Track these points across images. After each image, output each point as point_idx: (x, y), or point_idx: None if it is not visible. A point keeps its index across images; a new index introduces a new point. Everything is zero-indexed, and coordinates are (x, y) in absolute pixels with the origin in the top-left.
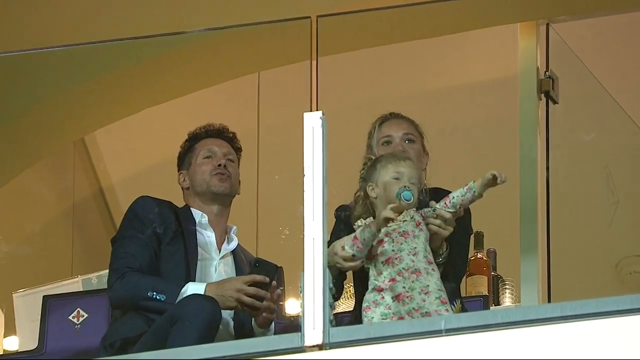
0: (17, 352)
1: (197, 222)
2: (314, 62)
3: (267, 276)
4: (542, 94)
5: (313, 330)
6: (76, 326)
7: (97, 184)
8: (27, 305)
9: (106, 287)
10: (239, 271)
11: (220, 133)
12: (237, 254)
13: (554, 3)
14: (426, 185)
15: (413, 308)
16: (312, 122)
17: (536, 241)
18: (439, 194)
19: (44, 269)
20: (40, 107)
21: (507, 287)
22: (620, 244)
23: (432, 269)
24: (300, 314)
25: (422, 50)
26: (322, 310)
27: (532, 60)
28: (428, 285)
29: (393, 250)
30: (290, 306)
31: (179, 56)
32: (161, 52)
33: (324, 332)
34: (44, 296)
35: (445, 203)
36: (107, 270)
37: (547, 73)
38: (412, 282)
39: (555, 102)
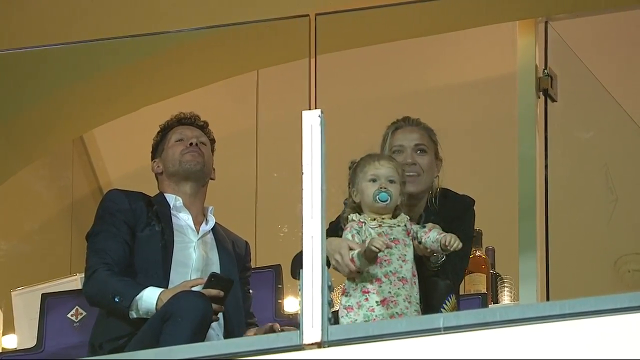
0: (15, 350)
1: (171, 205)
2: (313, 60)
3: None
4: (541, 92)
5: (312, 328)
6: (75, 324)
7: (95, 182)
8: (26, 303)
9: None
10: (221, 250)
11: (192, 121)
12: (217, 233)
13: (553, 1)
14: (438, 190)
15: (396, 312)
16: (311, 120)
17: (535, 239)
18: (448, 197)
19: (43, 267)
20: (38, 105)
21: (505, 285)
22: (619, 242)
23: (414, 282)
24: (299, 311)
25: (420, 48)
26: (320, 308)
27: (531, 58)
28: (411, 296)
29: (383, 252)
30: (289, 304)
31: (177, 54)
32: (159, 50)
33: (322, 330)
34: (42, 294)
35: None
36: None
37: (545, 71)
38: (398, 288)
39: (553, 100)
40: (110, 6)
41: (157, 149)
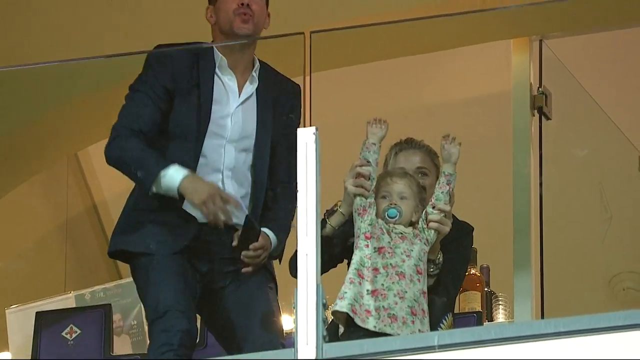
0: None
1: (217, 64)
2: (308, 78)
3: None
4: (535, 110)
5: (306, 346)
6: (69, 342)
7: (90, 200)
8: (20, 321)
9: (99, 303)
10: (260, 117)
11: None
12: (260, 94)
13: (547, 19)
14: None
15: (382, 306)
16: (306, 137)
17: (529, 257)
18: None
19: (37, 285)
20: (33, 123)
21: (500, 303)
22: (614, 260)
23: (418, 280)
24: (294, 329)
25: (415, 66)
26: (315, 326)
27: (525, 76)
28: (406, 292)
29: (389, 243)
30: (284, 322)
31: None
32: None
33: (317, 347)
34: (36, 312)
35: (433, 203)
36: (100, 287)
37: (540, 89)
38: (393, 282)
39: (548, 118)
40: (109, 23)
41: None
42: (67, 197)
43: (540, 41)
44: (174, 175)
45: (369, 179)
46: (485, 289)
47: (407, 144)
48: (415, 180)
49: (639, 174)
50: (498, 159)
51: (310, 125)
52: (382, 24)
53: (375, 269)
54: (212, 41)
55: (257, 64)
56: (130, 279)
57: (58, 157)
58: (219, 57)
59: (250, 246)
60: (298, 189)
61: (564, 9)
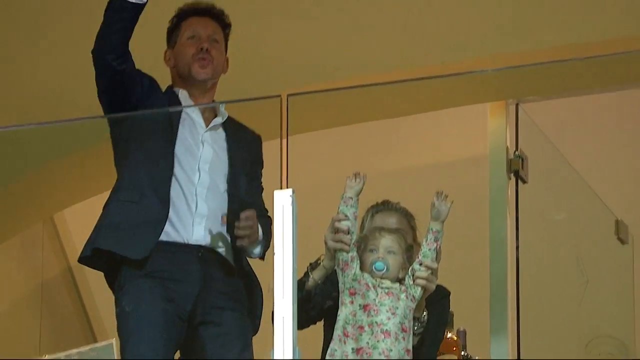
0: None
1: (179, 99)
2: (284, 141)
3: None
4: (512, 173)
5: None
6: None
7: (66, 263)
8: None
9: None
10: (231, 146)
11: (207, 11)
12: (228, 128)
13: (523, 83)
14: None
15: None
16: (283, 200)
17: (506, 320)
18: None
19: (11, 349)
20: (9, 186)
21: None
22: (591, 325)
23: (403, 338)
24: None
25: (392, 128)
26: None
27: (502, 140)
28: (391, 350)
29: (374, 300)
30: None
31: None
32: None
33: None
34: None
35: (420, 260)
36: (75, 350)
37: (516, 152)
38: (378, 341)
39: (524, 182)
40: (83, 86)
41: (171, 38)
42: (43, 260)
43: (517, 105)
44: None
45: (348, 232)
46: (462, 353)
47: (384, 206)
48: (404, 237)
49: (615, 238)
50: (475, 222)
51: (287, 188)
52: (359, 86)
53: (361, 327)
54: (171, 85)
55: (222, 105)
56: (106, 342)
57: (34, 220)
58: (179, 91)
59: (241, 215)
60: (275, 251)
61: (540, 73)
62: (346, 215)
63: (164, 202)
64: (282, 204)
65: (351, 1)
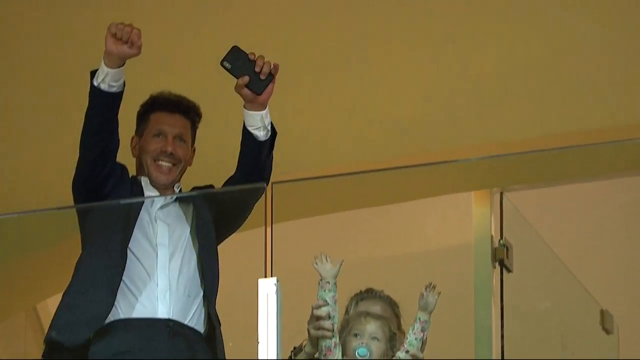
0: None
1: (142, 185)
2: (269, 229)
3: None
4: (497, 262)
5: None
6: None
7: None
8: None
9: None
10: (188, 217)
11: (176, 107)
12: (183, 202)
13: (507, 172)
14: None
15: None
16: (267, 288)
17: None
18: None
19: None
20: None
21: None
22: None
23: None
24: None
25: (376, 217)
26: None
27: (486, 228)
28: None
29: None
30: None
31: None
32: None
33: None
34: None
35: (406, 348)
36: None
37: (501, 241)
38: None
39: (509, 271)
40: (66, 177)
41: (139, 125)
42: (25, 350)
43: (501, 194)
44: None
45: (329, 317)
46: None
47: (368, 294)
48: (389, 325)
49: (600, 328)
50: (459, 311)
51: (272, 276)
52: (344, 175)
53: None
54: (136, 174)
55: (179, 184)
56: None
57: (16, 310)
58: (146, 184)
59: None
60: (259, 340)
61: (524, 162)
62: (325, 301)
63: (113, 291)
64: (266, 292)
65: (336, 90)
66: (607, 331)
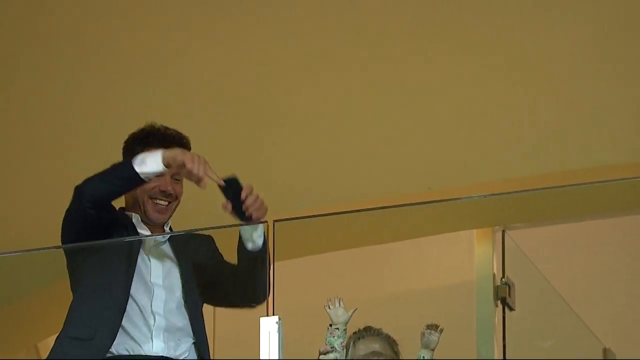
0: None
1: (133, 221)
2: (271, 267)
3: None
4: (499, 301)
5: None
6: None
7: None
8: None
9: None
10: (181, 259)
11: (172, 143)
12: (175, 242)
13: (509, 210)
14: None
15: None
16: (269, 327)
17: None
18: None
19: None
20: None
21: None
22: None
23: None
24: None
25: (378, 255)
26: None
27: (488, 267)
28: None
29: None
30: None
31: None
32: None
33: None
34: None
35: None
36: None
37: (503, 279)
38: None
39: (511, 309)
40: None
41: (133, 155)
42: None
43: (503, 232)
44: (150, 154)
45: None
46: None
47: (366, 332)
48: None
49: None
50: (462, 349)
51: (273, 314)
52: (345, 212)
53: None
54: (120, 209)
55: (169, 223)
56: None
57: (17, 348)
58: (138, 222)
59: (242, 195)
60: None
61: (526, 200)
62: (333, 347)
63: (114, 331)
64: (268, 331)
65: (337, 128)
66: None
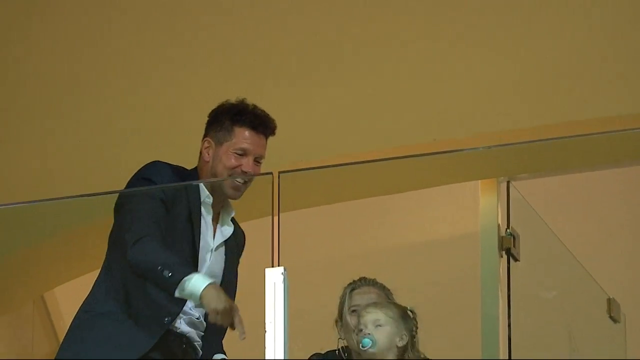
0: None
1: (202, 200)
2: (276, 218)
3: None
4: (503, 252)
5: None
6: None
7: (56, 342)
8: None
9: None
10: (227, 262)
11: (264, 130)
12: (229, 242)
13: (514, 161)
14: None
15: None
16: (274, 277)
17: None
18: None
19: None
20: None
21: None
22: None
23: None
24: None
25: (383, 207)
26: None
27: (493, 218)
28: None
29: None
30: None
31: None
32: None
33: None
34: None
35: None
36: None
37: (508, 230)
38: None
39: (516, 260)
40: (72, 165)
41: (218, 133)
42: (33, 339)
43: (508, 183)
44: (199, 280)
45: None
46: None
47: (361, 282)
48: (395, 307)
49: (607, 317)
50: (466, 301)
51: (278, 266)
52: (350, 164)
53: None
54: (198, 174)
55: (233, 212)
56: None
57: (24, 299)
58: (205, 194)
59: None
60: (266, 329)
61: (531, 151)
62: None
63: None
64: (273, 282)
65: (341, 79)
66: (614, 319)
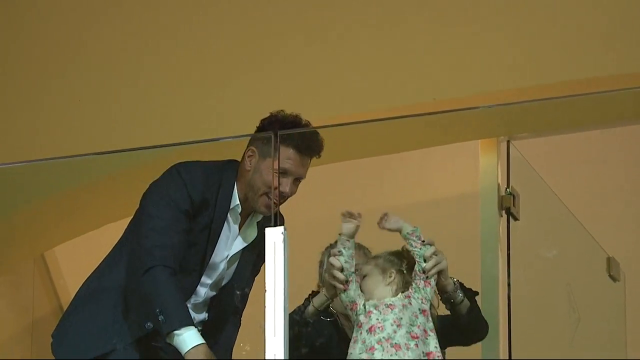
0: None
1: (231, 208)
2: (276, 179)
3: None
4: (503, 211)
5: None
6: None
7: (57, 301)
8: None
9: None
10: (239, 268)
11: (311, 153)
12: (247, 249)
13: (514, 121)
14: None
15: None
16: (274, 237)
17: (498, 357)
18: None
19: None
20: None
21: None
22: None
23: (415, 345)
24: None
25: (382, 167)
26: None
27: (493, 177)
28: None
29: (377, 319)
30: None
31: (138, 172)
32: (121, 168)
33: None
34: None
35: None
36: None
37: (507, 190)
38: (391, 355)
39: (516, 219)
40: (71, 124)
41: (265, 146)
42: (34, 298)
43: (508, 142)
44: (188, 339)
45: (342, 270)
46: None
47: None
48: (386, 256)
49: (607, 275)
50: (466, 260)
51: (278, 225)
52: (349, 124)
53: (372, 348)
54: (231, 184)
55: (261, 216)
56: None
57: (24, 258)
58: (236, 202)
59: None
60: (266, 288)
61: (531, 110)
62: (340, 251)
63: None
64: (273, 241)
65: (343, 38)
66: (614, 278)
